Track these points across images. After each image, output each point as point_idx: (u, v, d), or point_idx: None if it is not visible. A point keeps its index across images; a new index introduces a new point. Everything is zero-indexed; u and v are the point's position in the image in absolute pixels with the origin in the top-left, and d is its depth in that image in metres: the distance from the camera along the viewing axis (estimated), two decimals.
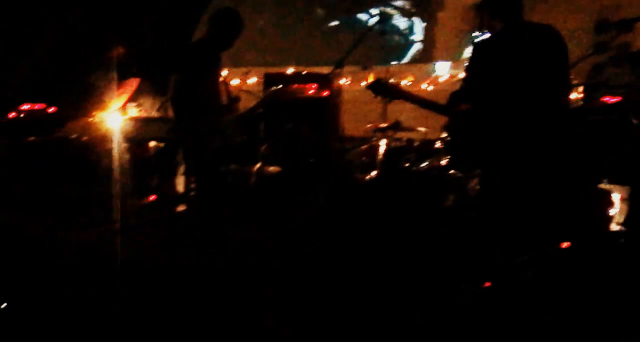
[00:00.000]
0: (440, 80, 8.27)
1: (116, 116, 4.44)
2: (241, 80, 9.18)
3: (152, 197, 5.11)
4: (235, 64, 8.50)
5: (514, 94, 3.15)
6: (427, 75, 8.41)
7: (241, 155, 4.79)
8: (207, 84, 4.09)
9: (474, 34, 6.07)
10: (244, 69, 9.47)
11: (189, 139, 3.81)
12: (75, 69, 6.24)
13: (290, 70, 7.79)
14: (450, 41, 8.60)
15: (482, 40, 3.45)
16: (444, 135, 5.62)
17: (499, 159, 3.19)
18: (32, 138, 5.45)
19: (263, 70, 8.80)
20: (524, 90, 3.15)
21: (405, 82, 8.36)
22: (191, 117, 3.87)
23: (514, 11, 3.29)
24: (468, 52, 6.14)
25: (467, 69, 3.35)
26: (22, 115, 5.53)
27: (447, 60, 8.50)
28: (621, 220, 4.34)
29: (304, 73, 7.44)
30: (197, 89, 3.99)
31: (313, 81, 6.96)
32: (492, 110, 3.22)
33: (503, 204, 3.20)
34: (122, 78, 5.27)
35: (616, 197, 4.32)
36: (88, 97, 5.48)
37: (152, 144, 5.01)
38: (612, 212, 4.26)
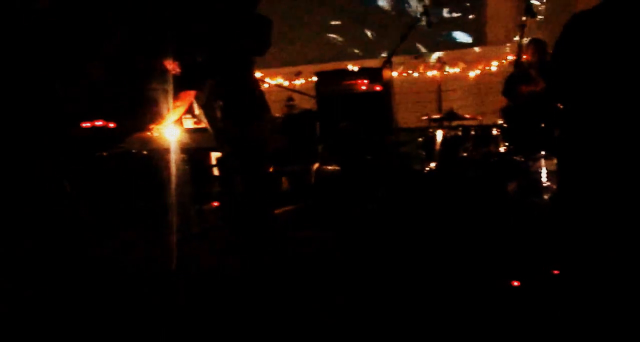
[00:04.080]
0: (494, 64, 8.15)
1: (173, 128, 4.50)
2: (291, 81, 9.24)
3: (215, 204, 5.21)
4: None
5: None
6: (478, 60, 8.29)
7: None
8: (253, 89, 4.02)
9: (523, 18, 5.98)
10: (292, 69, 9.39)
11: (242, 147, 3.72)
12: (132, 83, 6.30)
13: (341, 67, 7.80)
14: (500, 24, 8.45)
15: (587, 12, 2.80)
16: (500, 121, 5.57)
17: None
18: (99, 154, 5.48)
19: (310, 68, 8.73)
20: None
21: (455, 70, 8.28)
22: (242, 125, 3.78)
23: None
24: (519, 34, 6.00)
25: (560, 47, 2.88)
26: (85, 131, 5.53)
27: (499, 43, 8.34)
28: None
29: (355, 69, 7.42)
30: (245, 96, 3.93)
31: (365, 76, 6.96)
32: (604, 95, 2.69)
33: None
34: (178, 90, 5.34)
35: None
36: (145, 110, 5.54)
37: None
38: None
